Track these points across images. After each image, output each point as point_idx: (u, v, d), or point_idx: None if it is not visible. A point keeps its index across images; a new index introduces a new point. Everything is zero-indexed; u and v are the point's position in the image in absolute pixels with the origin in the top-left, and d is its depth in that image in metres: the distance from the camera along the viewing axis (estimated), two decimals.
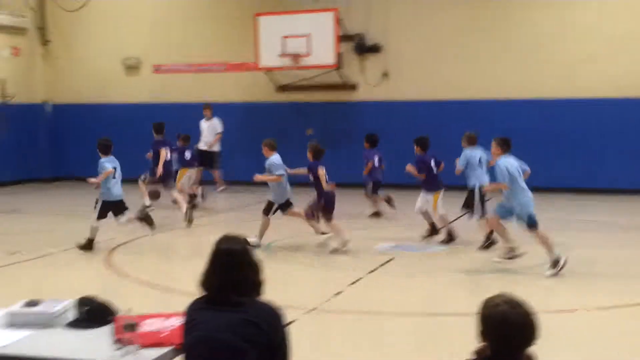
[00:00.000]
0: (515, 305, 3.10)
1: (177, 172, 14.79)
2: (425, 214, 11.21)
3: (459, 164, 10.73)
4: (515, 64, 17.01)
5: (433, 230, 11.16)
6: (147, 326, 4.06)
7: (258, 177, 10.87)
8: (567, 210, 14.52)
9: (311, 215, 10.65)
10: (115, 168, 10.65)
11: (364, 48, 17.86)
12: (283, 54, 16.93)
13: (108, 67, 19.89)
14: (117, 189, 10.68)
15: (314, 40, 16.79)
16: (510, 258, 9.27)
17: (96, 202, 10.66)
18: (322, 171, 10.63)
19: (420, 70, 17.62)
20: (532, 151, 16.74)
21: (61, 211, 12.52)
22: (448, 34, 17.41)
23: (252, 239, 10.50)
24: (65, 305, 4.30)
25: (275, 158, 10.90)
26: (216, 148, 16.89)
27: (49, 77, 20.62)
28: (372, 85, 18.00)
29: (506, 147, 9.33)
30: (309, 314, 7.42)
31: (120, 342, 3.81)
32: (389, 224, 13.17)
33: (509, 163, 9.07)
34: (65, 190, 14.19)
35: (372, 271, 9.42)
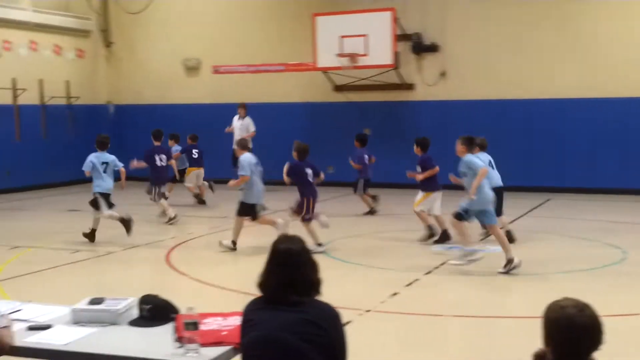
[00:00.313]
0: (583, 308, 3.01)
1: (184, 170, 15.26)
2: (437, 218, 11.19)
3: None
4: (578, 63, 16.69)
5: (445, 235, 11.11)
6: (207, 325, 4.09)
7: (230, 184, 10.97)
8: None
9: (300, 211, 10.62)
10: (105, 163, 11.33)
11: (422, 47, 17.76)
12: (340, 54, 16.95)
13: (168, 68, 20.21)
14: (107, 182, 11.35)
15: (372, 39, 16.77)
16: (470, 261, 9.26)
17: (94, 197, 11.29)
18: (309, 171, 10.74)
19: (478, 69, 17.44)
20: (604, 151, 16.56)
21: (121, 210, 12.76)
22: (507, 31, 17.19)
23: (225, 242, 10.66)
24: (128, 303, 4.35)
25: (243, 158, 10.64)
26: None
27: (112, 79, 21.05)
28: (429, 84, 17.90)
29: (470, 145, 9.49)
30: (365, 315, 7.39)
31: (181, 340, 3.82)
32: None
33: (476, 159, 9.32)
34: (126, 190, 14.47)
35: (428, 272, 9.36)
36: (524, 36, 17.05)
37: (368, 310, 7.56)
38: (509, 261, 9.10)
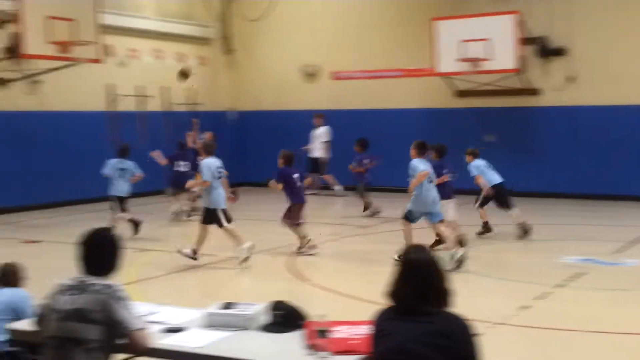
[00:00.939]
0: None
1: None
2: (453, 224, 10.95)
3: (474, 173, 12.19)
4: None
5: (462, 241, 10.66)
6: (337, 333, 4.05)
7: (188, 184, 11.70)
8: None
9: (289, 217, 10.85)
10: (123, 169, 12.56)
11: (548, 51, 17.16)
12: (461, 59, 16.59)
13: (287, 75, 20.40)
14: (121, 187, 12.50)
15: (494, 43, 16.33)
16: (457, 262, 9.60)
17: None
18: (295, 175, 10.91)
19: (609, 72, 16.65)
20: None
21: (245, 216, 13.00)
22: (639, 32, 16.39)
23: (185, 250, 10.36)
24: (259, 308, 4.39)
25: (204, 162, 10.31)
26: (321, 155, 16.94)
27: (232, 85, 21.46)
28: (556, 89, 17.26)
29: (421, 149, 10.21)
30: (495, 328, 7.13)
31: (312, 347, 3.83)
32: (573, 236, 12.48)
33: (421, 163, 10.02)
34: (249, 195, 14.71)
35: (558, 285, 8.95)
36: None
37: (497, 323, 7.28)
38: (456, 255, 9.51)
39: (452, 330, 3.37)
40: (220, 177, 10.25)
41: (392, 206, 16.18)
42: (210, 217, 10.12)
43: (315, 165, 16.80)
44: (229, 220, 10.19)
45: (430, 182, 10.03)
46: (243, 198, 15.46)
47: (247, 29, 20.78)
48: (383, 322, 3.53)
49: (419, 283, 3.46)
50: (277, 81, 20.57)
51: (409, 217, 10.09)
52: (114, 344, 3.91)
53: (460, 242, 10.25)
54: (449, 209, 10.99)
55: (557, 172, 17.25)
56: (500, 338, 6.93)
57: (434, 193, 10.01)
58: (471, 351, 3.41)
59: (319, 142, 17.37)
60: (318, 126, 17.72)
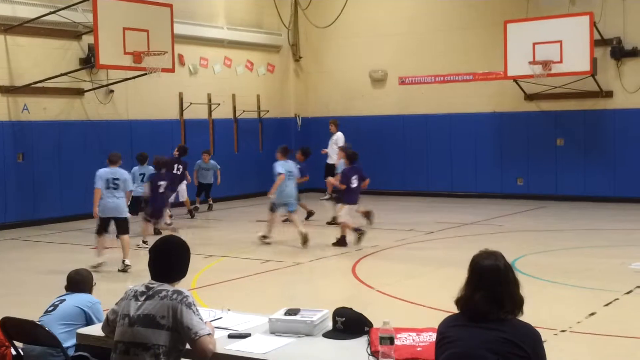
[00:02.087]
0: None
1: None
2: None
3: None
4: None
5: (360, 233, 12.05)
6: (401, 340, 4.00)
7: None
8: None
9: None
10: (142, 174, 13.58)
11: (622, 52, 16.75)
12: (533, 62, 16.30)
13: (355, 80, 20.40)
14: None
15: (567, 45, 15.98)
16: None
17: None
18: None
19: None
20: None
21: (310, 222, 13.12)
22: None
23: (98, 258, 10.42)
24: (323, 315, 4.36)
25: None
26: (334, 161, 16.76)
27: (300, 92, 21.58)
28: (630, 92, 16.81)
29: (284, 153, 12.42)
30: (560, 336, 6.97)
31: (377, 354, 3.78)
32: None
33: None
34: (312, 202, 14.78)
35: (628, 292, 8.70)
36: None
37: (563, 330, 7.13)
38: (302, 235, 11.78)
39: (522, 340, 3.31)
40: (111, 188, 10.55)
41: (465, 212, 16.08)
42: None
43: (330, 171, 16.61)
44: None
45: (290, 179, 12.20)
46: (313, 205, 15.57)
47: (315, 36, 20.88)
48: (448, 329, 3.48)
49: (494, 290, 3.40)
50: (344, 87, 20.59)
51: (274, 209, 12.31)
52: (180, 349, 3.96)
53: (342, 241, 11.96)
54: (347, 212, 12.19)
55: (629, 176, 16.80)
56: (565, 346, 6.77)
57: (290, 188, 12.22)
58: None
59: (334, 148, 17.35)
60: (333, 132, 17.75)
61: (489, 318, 3.37)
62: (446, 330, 3.49)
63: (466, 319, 3.43)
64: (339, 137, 17.60)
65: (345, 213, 12.16)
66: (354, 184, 12.14)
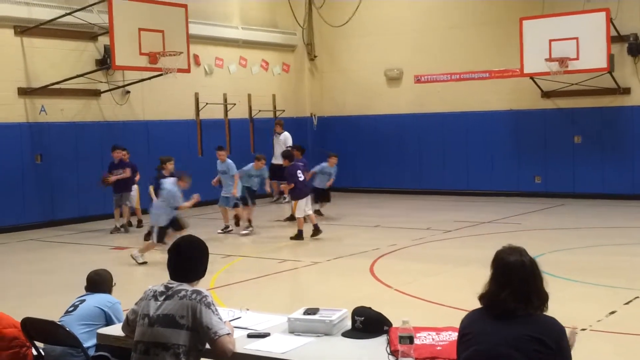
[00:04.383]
0: None
1: None
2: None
3: None
4: None
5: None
6: (420, 339, 3.99)
7: None
8: None
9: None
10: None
11: (639, 49, 16.62)
12: (549, 59, 16.20)
13: (370, 79, 20.37)
14: None
15: (583, 42, 15.89)
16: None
17: None
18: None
19: None
20: None
21: (328, 221, 13.17)
22: None
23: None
24: (342, 314, 4.36)
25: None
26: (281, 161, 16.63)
27: (315, 91, 21.57)
28: None
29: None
30: (580, 334, 6.85)
31: (396, 353, 3.77)
32: None
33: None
34: (336, 200, 14.79)
35: None
36: None
37: (583, 329, 7.05)
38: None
39: (547, 336, 3.29)
40: None
41: (482, 210, 16.01)
42: None
43: (275, 172, 16.48)
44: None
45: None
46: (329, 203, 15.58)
47: (330, 35, 20.86)
48: (471, 325, 3.47)
49: (521, 286, 3.39)
50: (359, 86, 20.57)
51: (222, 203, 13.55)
52: (200, 349, 3.97)
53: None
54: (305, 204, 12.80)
55: None
56: (584, 344, 6.67)
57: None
58: (565, 357, 3.34)
59: (281, 149, 17.36)
60: (280, 133, 17.74)
61: (516, 314, 3.35)
62: (469, 326, 3.48)
63: (490, 315, 3.41)
64: (287, 138, 17.68)
65: (299, 208, 12.70)
66: (301, 177, 12.82)
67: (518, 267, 3.45)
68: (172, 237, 10.26)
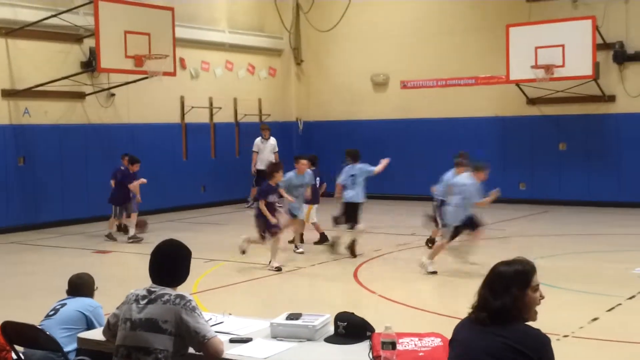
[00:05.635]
0: None
1: None
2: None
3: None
4: None
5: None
6: (403, 345, 3.99)
7: None
8: None
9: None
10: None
11: (624, 56, 16.74)
12: (535, 66, 16.28)
13: (356, 84, 20.40)
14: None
15: (569, 49, 15.97)
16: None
17: None
18: None
19: None
20: None
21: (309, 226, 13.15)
22: None
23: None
24: (325, 319, 4.36)
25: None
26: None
27: (301, 96, 21.57)
28: (633, 96, 16.80)
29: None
30: (562, 341, 6.92)
31: (379, 359, 3.78)
32: None
33: None
34: (325, 205, 14.86)
35: (631, 297, 8.69)
36: None
37: (565, 336, 7.10)
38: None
39: (527, 346, 3.25)
40: None
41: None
42: None
43: (260, 178, 16.30)
44: None
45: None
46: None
47: (316, 40, 20.88)
48: (458, 332, 3.48)
49: (505, 294, 3.35)
50: (346, 91, 20.59)
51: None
52: (182, 354, 3.94)
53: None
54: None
55: (632, 180, 16.79)
56: (567, 351, 6.70)
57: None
58: None
59: (271, 154, 17.31)
60: (267, 138, 17.78)
61: (501, 323, 3.32)
62: (456, 332, 3.49)
63: (475, 322, 3.40)
64: (275, 144, 17.71)
65: (312, 214, 12.81)
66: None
67: (518, 275, 3.43)
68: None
